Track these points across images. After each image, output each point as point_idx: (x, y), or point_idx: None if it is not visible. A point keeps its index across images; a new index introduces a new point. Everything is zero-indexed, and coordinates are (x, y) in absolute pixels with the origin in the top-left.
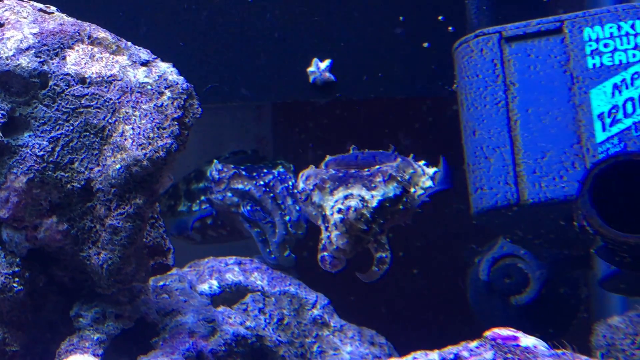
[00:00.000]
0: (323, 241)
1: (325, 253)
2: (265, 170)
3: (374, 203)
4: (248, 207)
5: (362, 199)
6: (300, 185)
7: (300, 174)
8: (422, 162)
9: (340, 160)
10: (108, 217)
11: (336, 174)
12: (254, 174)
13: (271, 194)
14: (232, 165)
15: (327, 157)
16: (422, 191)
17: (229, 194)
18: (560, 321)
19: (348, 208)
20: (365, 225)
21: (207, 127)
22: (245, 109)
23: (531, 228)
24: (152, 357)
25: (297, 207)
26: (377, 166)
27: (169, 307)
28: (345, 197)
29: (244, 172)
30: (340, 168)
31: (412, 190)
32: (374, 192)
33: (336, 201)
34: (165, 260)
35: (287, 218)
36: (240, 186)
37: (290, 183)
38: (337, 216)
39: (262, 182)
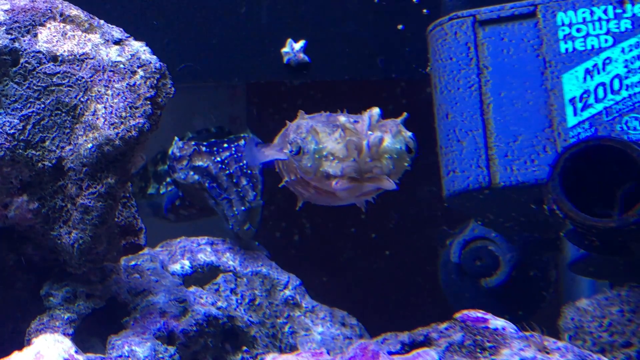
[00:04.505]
0: (331, 176)
1: (333, 181)
2: (225, 146)
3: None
4: (206, 185)
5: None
6: (291, 135)
7: (289, 124)
8: None
9: (328, 117)
10: (79, 196)
11: (332, 124)
12: (215, 148)
13: (227, 171)
14: (192, 143)
15: (304, 115)
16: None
17: (191, 173)
18: (529, 303)
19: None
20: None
21: (180, 107)
22: (219, 89)
23: (502, 211)
24: (122, 337)
25: (251, 185)
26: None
27: (140, 287)
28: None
29: (204, 149)
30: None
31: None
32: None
33: (338, 136)
34: (137, 240)
35: (242, 194)
36: (200, 163)
37: (245, 162)
38: (341, 140)
39: (219, 159)
